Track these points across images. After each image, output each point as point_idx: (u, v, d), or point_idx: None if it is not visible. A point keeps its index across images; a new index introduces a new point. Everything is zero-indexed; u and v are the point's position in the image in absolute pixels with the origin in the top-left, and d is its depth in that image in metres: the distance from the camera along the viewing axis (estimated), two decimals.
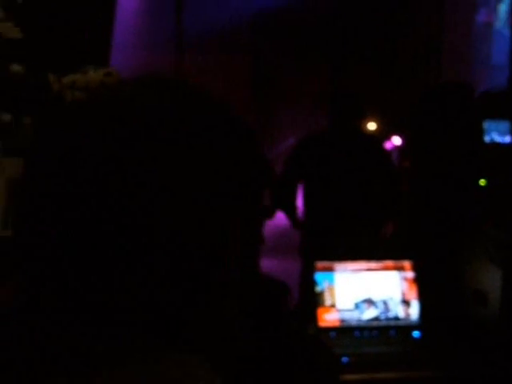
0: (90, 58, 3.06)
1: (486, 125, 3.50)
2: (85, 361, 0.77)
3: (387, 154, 4.78)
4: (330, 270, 3.01)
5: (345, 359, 2.74)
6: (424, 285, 2.94)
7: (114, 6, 3.33)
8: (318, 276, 2.98)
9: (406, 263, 3.06)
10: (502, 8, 9.01)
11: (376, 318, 2.95)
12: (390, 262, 3.05)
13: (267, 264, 1.71)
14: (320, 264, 3.00)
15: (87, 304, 0.78)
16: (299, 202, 4.69)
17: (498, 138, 3.74)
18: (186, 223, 0.79)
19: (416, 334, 2.94)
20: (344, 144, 4.46)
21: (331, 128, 4.57)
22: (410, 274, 3.03)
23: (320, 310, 2.93)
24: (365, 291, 3.00)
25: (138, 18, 7.45)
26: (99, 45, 3.19)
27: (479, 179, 3.16)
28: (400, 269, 3.05)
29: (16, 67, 2.50)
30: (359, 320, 2.94)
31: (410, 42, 9.41)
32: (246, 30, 9.20)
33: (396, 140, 8.92)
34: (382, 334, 2.93)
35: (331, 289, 2.99)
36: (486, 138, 3.55)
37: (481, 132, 3.24)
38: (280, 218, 4.74)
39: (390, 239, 4.24)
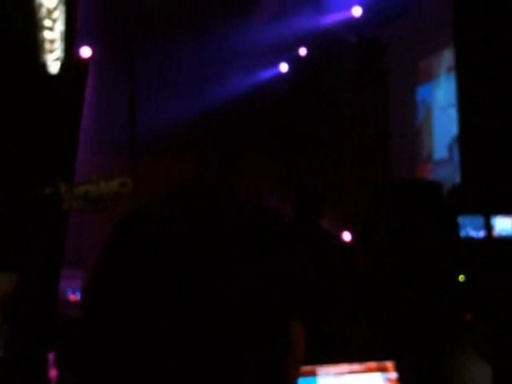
0: (56, 169, 3.01)
1: (460, 220, 3.55)
2: None
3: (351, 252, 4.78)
4: (313, 374, 2.93)
5: None
6: None
7: (81, 111, 3.31)
8: (301, 382, 2.89)
9: (389, 364, 3.00)
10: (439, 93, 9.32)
11: None
12: (372, 364, 2.99)
13: None
14: (302, 368, 2.91)
15: None
16: None
17: (472, 233, 3.80)
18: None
19: None
20: (306, 239, 4.45)
21: (292, 223, 4.56)
22: (393, 375, 2.98)
23: None
24: None
25: (91, 119, 7.46)
26: (65, 155, 3.15)
27: (458, 275, 3.17)
28: (383, 370, 2.99)
29: None
30: None
31: (356, 136, 9.61)
32: (196, 127, 9.30)
33: (346, 236, 8.97)
34: None
35: None
36: (462, 233, 3.60)
37: (457, 227, 3.27)
38: None
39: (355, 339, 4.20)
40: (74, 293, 9.86)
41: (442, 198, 3.30)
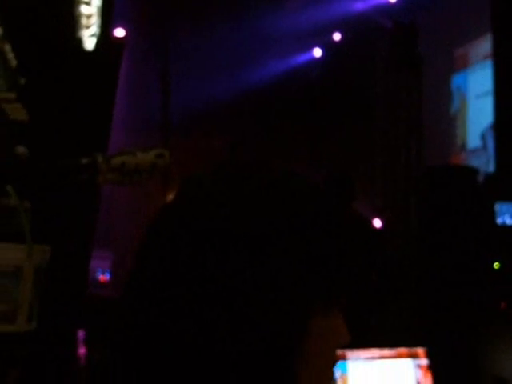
0: (91, 142, 3.02)
1: (497, 207, 3.49)
2: None
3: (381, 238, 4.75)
4: (343, 358, 2.91)
5: None
6: (439, 372, 2.85)
7: (115, 89, 3.31)
8: None
9: (420, 350, 2.97)
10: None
11: None
12: (403, 350, 2.97)
13: None
14: None
15: None
16: None
17: (506, 220, 3.71)
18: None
19: None
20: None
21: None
22: (424, 362, 2.95)
23: None
24: (378, 380, 2.90)
25: (123, 100, 7.48)
26: (100, 129, 3.16)
27: (493, 262, 3.12)
28: (414, 356, 2.96)
29: (21, 149, 2.43)
30: None
31: (390, 125, 9.54)
32: (228, 112, 9.29)
33: (376, 222, 8.93)
34: None
35: (344, 378, 2.88)
36: (498, 221, 3.53)
37: (492, 214, 3.22)
38: None
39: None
40: (103, 273, 9.95)
41: (478, 184, 3.25)
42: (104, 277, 9.96)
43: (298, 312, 0.82)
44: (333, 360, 0.90)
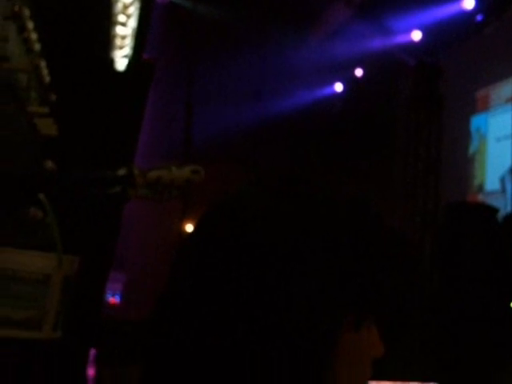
0: (117, 159, 3.06)
1: None
2: None
3: None
4: None
5: None
6: None
7: (143, 111, 3.35)
8: None
9: None
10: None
11: None
12: None
13: None
14: None
15: None
16: None
17: None
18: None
19: None
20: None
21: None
22: None
23: None
24: None
25: (148, 126, 7.54)
26: (126, 149, 3.20)
27: (510, 302, 3.11)
28: None
29: (49, 164, 2.47)
30: None
31: (409, 161, 9.55)
32: (250, 142, 9.34)
33: None
34: None
35: None
36: None
37: (510, 253, 3.22)
38: None
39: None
40: (113, 295, 9.94)
41: (498, 223, 3.25)
42: (114, 299, 9.95)
43: (329, 328, 0.83)
44: (365, 373, 0.91)
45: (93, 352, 4.74)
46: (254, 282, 0.81)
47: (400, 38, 9.64)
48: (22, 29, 1.88)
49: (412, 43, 9.59)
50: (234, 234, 0.84)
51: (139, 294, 8.54)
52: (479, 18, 8.90)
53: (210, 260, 0.84)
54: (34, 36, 2.00)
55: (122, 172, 1.50)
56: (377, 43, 9.68)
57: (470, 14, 8.81)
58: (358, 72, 10.61)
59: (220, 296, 0.82)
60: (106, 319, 6.06)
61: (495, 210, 3.30)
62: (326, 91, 11.00)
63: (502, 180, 8.74)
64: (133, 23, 2.79)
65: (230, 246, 0.84)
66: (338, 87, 11.10)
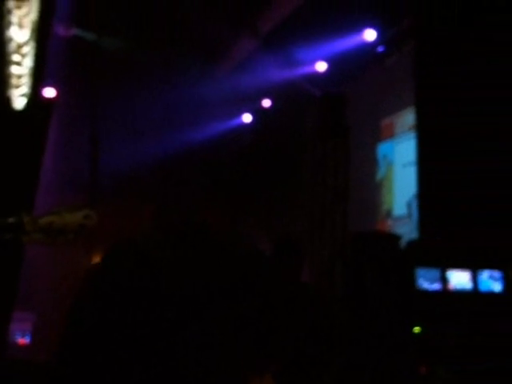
0: (16, 202, 2.99)
1: (417, 272, 3.57)
2: None
3: None
4: None
5: None
6: None
7: (43, 150, 3.29)
8: None
9: None
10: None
11: None
12: None
13: None
14: None
15: None
16: None
17: (427, 286, 3.79)
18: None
19: None
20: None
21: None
22: None
23: None
24: None
25: (52, 162, 7.43)
26: (26, 189, 3.13)
27: (413, 326, 3.17)
28: None
29: None
30: None
31: (317, 191, 9.67)
32: (156, 175, 9.30)
33: None
34: None
35: None
36: (416, 286, 3.61)
37: (413, 280, 3.30)
38: None
39: None
40: (23, 336, 9.69)
41: (400, 250, 3.32)
42: (24, 340, 9.70)
43: (231, 375, 0.83)
44: None
45: None
46: (151, 328, 0.80)
47: (305, 69, 9.82)
48: None
49: (317, 74, 9.78)
50: (133, 278, 0.83)
51: (50, 333, 8.33)
52: (380, 49, 9.18)
53: (108, 303, 0.83)
54: None
55: (11, 220, 1.47)
56: (283, 74, 9.84)
57: (371, 46, 9.07)
58: (266, 103, 10.75)
59: (118, 340, 0.80)
60: (11, 360, 5.87)
61: (397, 238, 3.38)
62: (235, 122, 11.09)
63: (409, 205, 8.96)
64: (28, 63, 2.75)
65: (127, 289, 0.82)
66: (247, 118, 11.21)
